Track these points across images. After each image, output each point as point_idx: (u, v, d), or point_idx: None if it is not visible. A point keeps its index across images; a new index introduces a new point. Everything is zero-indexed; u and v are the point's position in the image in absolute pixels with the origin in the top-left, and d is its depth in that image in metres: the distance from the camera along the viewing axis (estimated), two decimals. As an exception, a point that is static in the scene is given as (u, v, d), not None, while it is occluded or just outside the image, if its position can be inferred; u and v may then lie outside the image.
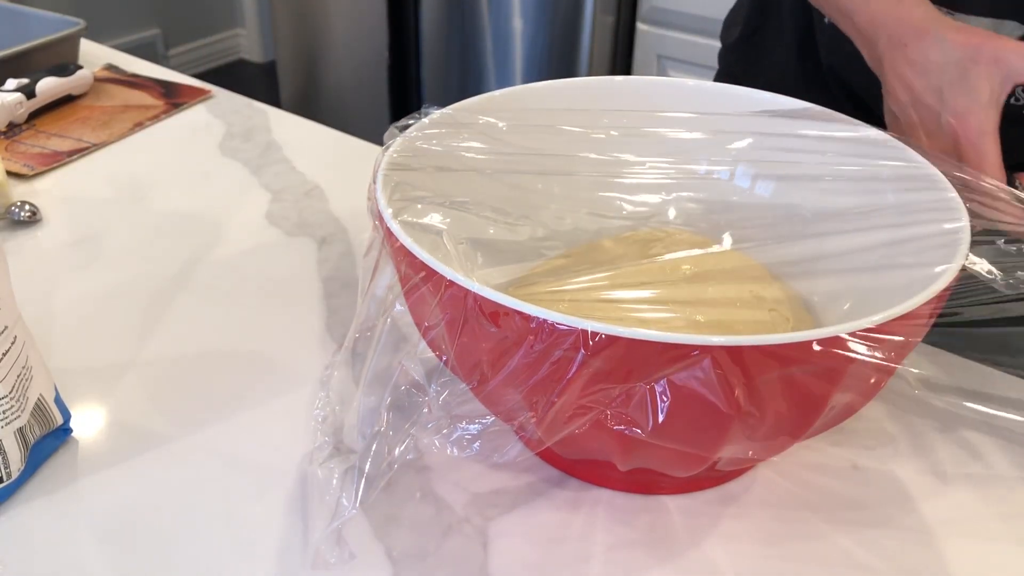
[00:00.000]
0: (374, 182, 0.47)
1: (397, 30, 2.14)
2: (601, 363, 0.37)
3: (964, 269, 0.43)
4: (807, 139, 0.56)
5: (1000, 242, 0.46)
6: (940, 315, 0.43)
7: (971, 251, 0.44)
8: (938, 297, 0.40)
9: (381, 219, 0.45)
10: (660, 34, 1.83)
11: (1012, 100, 0.60)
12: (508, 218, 0.57)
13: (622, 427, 0.39)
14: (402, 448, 0.43)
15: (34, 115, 0.86)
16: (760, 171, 0.58)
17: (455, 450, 0.43)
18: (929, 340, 0.51)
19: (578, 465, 0.49)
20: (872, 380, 0.41)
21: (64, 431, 0.50)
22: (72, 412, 0.51)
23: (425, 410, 0.43)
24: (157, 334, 0.59)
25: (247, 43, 3.16)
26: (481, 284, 0.38)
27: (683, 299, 0.50)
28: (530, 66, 1.99)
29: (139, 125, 0.86)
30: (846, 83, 0.75)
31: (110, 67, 0.98)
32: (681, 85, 0.59)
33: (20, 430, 0.46)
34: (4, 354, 0.44)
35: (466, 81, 2.10)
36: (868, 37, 0.59)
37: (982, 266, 0.44)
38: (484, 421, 0.43)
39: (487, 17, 1.98)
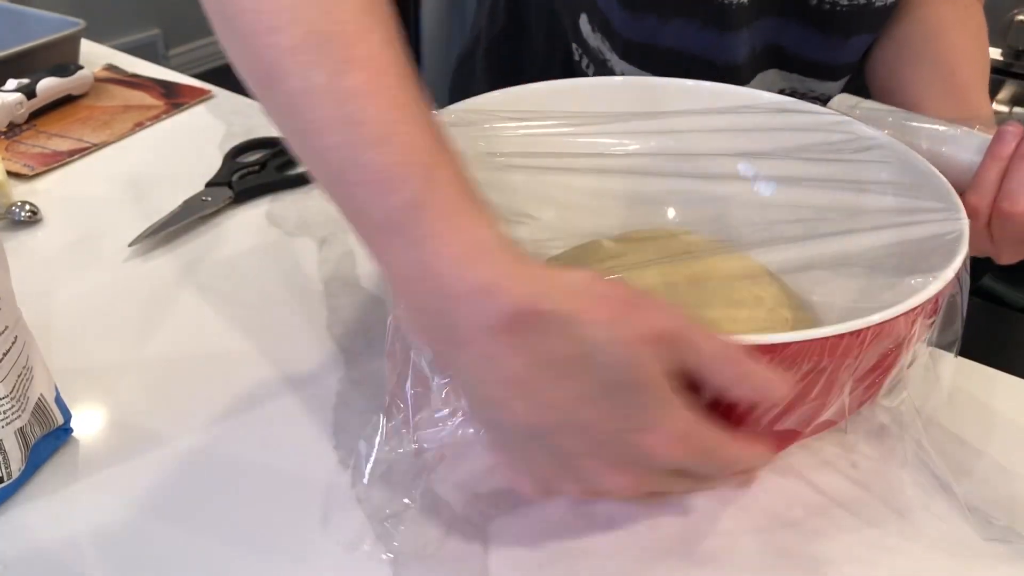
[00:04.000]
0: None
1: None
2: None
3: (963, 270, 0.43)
4: (808, 139, 0.56)
5: None
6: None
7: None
8: (937, 297, 0.40)
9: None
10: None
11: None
12: (508, 218, 0.57)
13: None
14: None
15: (34, 115, 0.86)
16: (760, 171, 0.58)
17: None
18: (928, 340, 0.51)
19: (578, 465, 0.49)
20: (872, 380, 0.41)
21: (64, 431, 0.50)
22: (72, 412, 0.51)
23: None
24: (157, 334, 0.59)
25: (247, 43, 3.15)
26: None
27: (683, 299, 0.50)
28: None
29: (139, 125, 0.86)
30: None
31: (110, 67, 0.98)
32: (681, 85, 0.59)
33: (20, 430, 0.46)
34: (4, 354, 0.44)
35: (466, 81, 2.10)
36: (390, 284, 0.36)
37: None
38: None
39: (487, 17, 1.98)
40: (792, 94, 0.69)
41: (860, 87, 0.72)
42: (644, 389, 0.33)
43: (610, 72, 0.71)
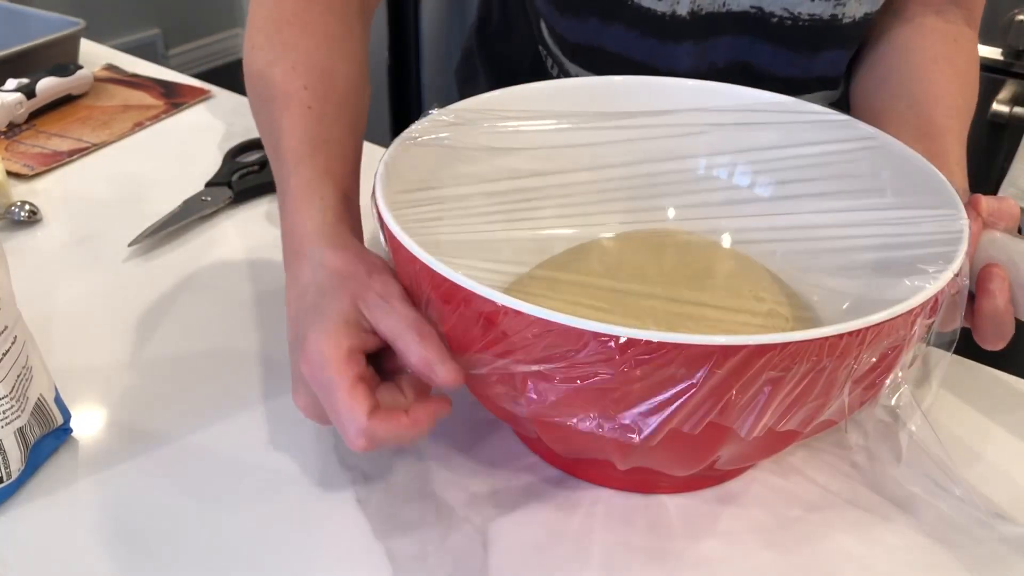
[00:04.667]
0: (374, 182, 0.47)
1: (397, 30, 2.14)
2: (600, 362, 0.37)
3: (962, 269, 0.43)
4: (807, 138, 0.56)
5: None
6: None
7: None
8: (937, 297, 0.40)
9: (381, 219, 0.45)
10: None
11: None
12: (508, 218, 0.57)
13: (615, 432, 0.39)
14: None
15: (34, 115, 0.86)
16: (760, 171, 0.58)
17: None
18: (927, 339, 0.51)
19: (577, 464, 0.49)
20: (871, 380, 0.41)
21: (64, 431, 0.50)
22: (72, 412, 0.51)
23: None
24: (157, 334, 0.59)
25: (247, 43, 3.15)
26: (480, 284, 0.38)
27: (683, 299, 0.50)
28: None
29: (139, 125, 0.86)
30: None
31: (110, 67, 0.98)
32: (681, 85, 0.59)
33: (20, 430, 0.46)
34: (4, 354, 0.44)
35: (466, 81, 2.10)
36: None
37: None
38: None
39: (487, 17, 1.98)
40: None
41: (843, 106, 0.71)
42: (319, 313, 0.43)
43: (567, 75, 0.71)
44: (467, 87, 0.88)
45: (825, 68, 0.68)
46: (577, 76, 0.70)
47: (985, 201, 0.48)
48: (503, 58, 0.82)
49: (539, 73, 0.75)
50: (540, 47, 0.74)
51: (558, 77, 0.72)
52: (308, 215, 0.48)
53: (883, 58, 0.67)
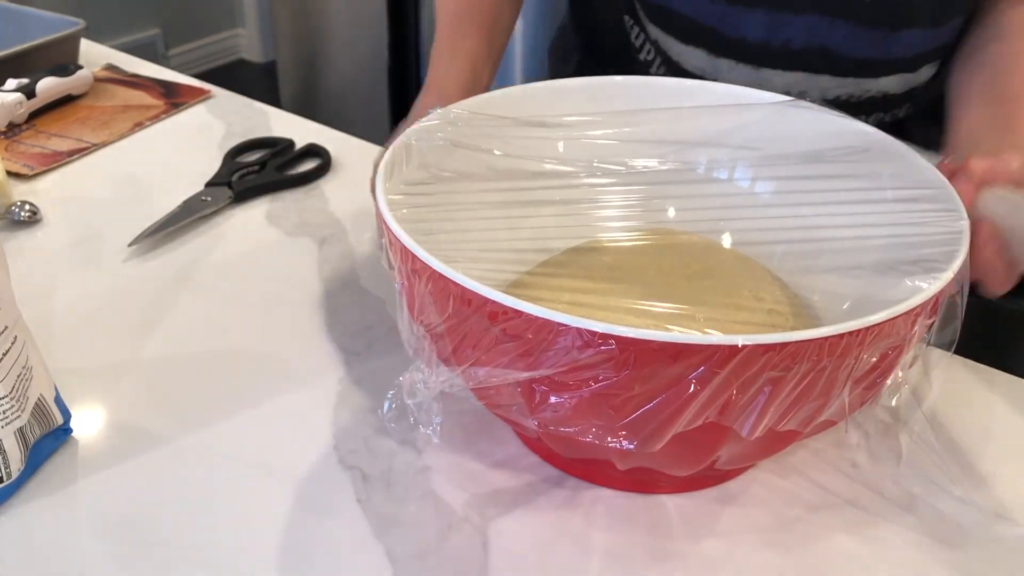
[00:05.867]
0: (375, 181, 0.47)
1: (397, 30, 2.14)
2: (600, 362, 0.37)
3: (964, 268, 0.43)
4: (808, 138, 0.56)
5: None
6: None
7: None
8: (937, 297, 0.40)
9: (381, 218, 0.45)
10: (660, 34, 1.82)
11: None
12: (508, 218, 0.57)
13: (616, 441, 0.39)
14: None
15: (34, 115, 0.86)
16: (760, 171, 0.58)
17: None
18: (927, 340, 0.51)
19: (577, 464, 0.49)
20: (871, 380, 0.41)
21: (64, 431, 0.50)
22: (72, 412, 0.51)
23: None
24: (157, 334, 0.59)
25: (247, 43, 3.15)
26: (480, 283, 0.38)
27: (683, 299, 0.50)
28: (530, 66, 1.99)
29: (139, 125, 0.86)
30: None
31: (110, 67, 0.98)
32: (681, 85, 0.59)
33: (20, 430, 0.46)
34: (4, 354, 0.44)
35: (466, 81, 2.10)
36: None
37: None
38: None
39: (487, 17, 1.98)
40: (847, 99, 0.69)
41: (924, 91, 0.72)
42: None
43: (650, 41, 0.73)
44: (560, 67, 0.92)
45: (903, 50, 0.68)
46: (657, 41, 0.73)
47: (975, 162, 0.49)
48: (593, 29, 0.84)
49: (626, 43, 0.78)
50: (626, 15, 0.76)
51: (642, 45, 0.75)
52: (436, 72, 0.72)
53: (980, 43, 0.66)
